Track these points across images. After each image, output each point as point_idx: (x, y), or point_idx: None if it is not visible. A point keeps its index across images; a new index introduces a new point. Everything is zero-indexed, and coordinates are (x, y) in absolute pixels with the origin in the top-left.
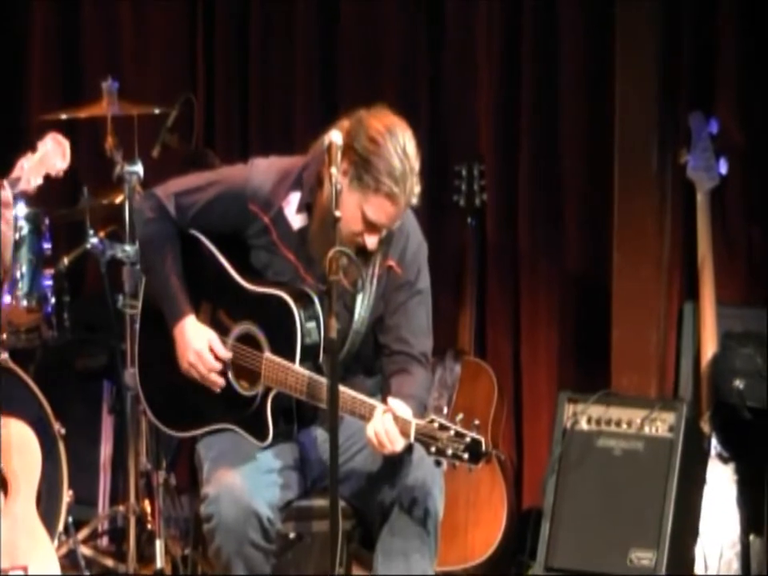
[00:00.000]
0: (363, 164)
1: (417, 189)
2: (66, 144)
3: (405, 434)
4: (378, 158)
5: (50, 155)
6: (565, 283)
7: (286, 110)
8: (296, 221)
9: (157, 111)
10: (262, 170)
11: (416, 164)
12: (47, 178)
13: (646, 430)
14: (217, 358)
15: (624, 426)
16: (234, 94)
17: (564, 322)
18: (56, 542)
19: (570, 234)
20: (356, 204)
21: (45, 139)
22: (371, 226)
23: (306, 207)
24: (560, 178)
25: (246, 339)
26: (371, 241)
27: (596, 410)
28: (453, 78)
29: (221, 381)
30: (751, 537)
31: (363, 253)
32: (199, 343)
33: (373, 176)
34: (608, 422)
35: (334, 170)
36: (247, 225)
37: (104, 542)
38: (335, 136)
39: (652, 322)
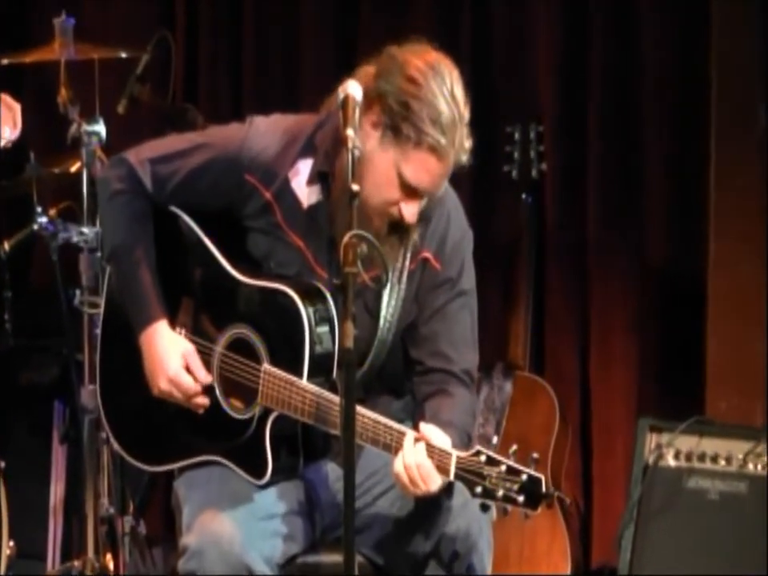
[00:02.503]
0: (400, 111)
1: (467, 143)
2: (17, 108)
3: (443, 469)
4: (419, 101)
5: None
6: (646, 280)
7: (291, 54)
8: (306, 195)
9: (123, 55)
10: (263, 130)
11: (466, 111)
12: None
13: (750, 467)
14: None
15: (722, 462)
16: (223, 34)
17: (645, 329)
18: None
19: (653, 217)
20: (391, 164)
21: None
22: (410, 192)
23: (318, 177)
24: (641, 144)
25: (240, 347)
26: (410, 211)
27: (686, 442)
28: (503, 15)
29: (205, 401)
30: None
31: (398, 232)
32: (173, 365)
33: (413, 125)
34: (701, 458)
35: (350, 131)
36: (243, 201)
37: None
38: (352, 88)
39: (757, 330)
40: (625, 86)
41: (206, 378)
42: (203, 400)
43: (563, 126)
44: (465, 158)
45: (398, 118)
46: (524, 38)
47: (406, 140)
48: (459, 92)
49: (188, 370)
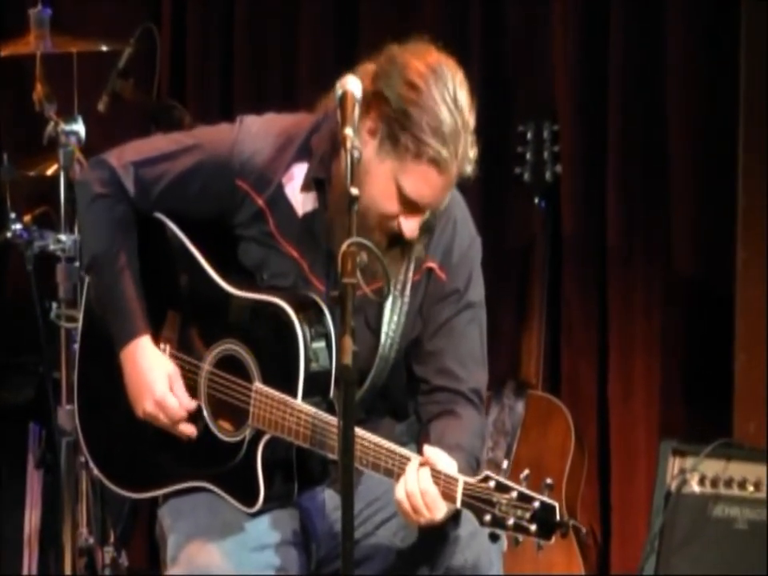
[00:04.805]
0: (399, 119)
1: (472, 153)
2: None
3: (449, 496)
4: (419, 109)
5: None
6: (671, 292)
7: (286, 47)
8: (301, 202)
9: (104, 48)
10: (255, 131)
11: (471, 118)
12: None
13: None
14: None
15: (750, 488)
16: (213, 25)
17: (669, 344)
18: None
19: (678, 224)
20: (389, 175)
21: None
22: (410, 206)
23: (315, 183)
24: (664, 143)
25: (229, 364)
26: (409, 226)
27: (712, 466)
28: (516, 3)
29: (192, 430)
30: None
31: (400, 244)
32: (160, 386)
33: (412, 135)
34: (728, 483)
35: (349, 130)
36: (234, 209)
37: None
38: (351, 83)
39: None
40: (648, 80)
41: (189, 403)
42: (189, 428)
43: (580, 124)
44: (469, 169)
45: (397, 126)
46: (538, 28)
47: (404, 151)
48: (463, 97)
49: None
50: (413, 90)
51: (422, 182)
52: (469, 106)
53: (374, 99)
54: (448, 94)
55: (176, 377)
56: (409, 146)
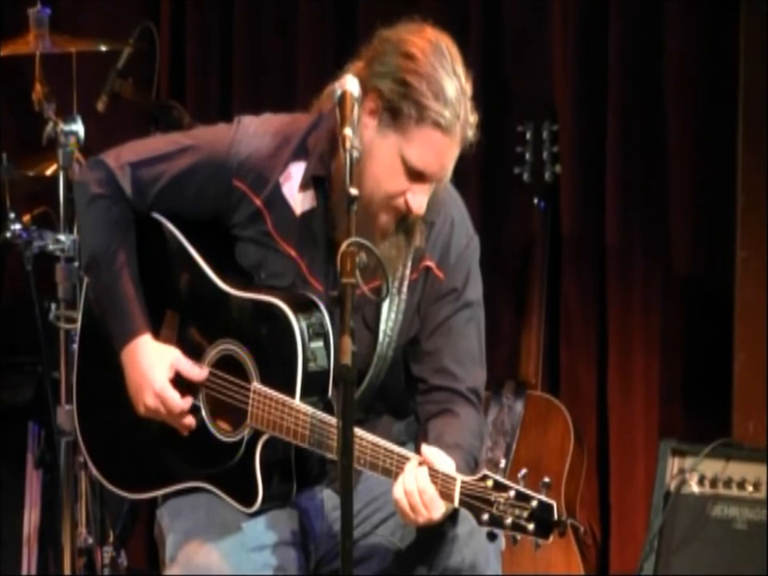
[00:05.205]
0: (398, 89)
1: (473, 117)
2: None
3: (446, 495)
4: (418, 76)
5: None
6: (670, 291)
7: (285, 48)
8: (299, 202)
9: (103, 48)
10: (253, 131)
11: (468, 86)
12: None
13: None
14: (185, 391)
15: (749, 488)
16: (212, 25)
17: (668, 344)
18: None
19: (678, 224)
20: (393, 150)
21: None
22: (416, 177)
23: (312, 182)
24: (664, 143)
25: (228, 364)
26: (417, 201)
27: (712, 466)
28: (515, 2)
29: (192, 421)
30: None
31: (405, 229)
32: (159, 378)
33: (414, 101)
34: (728, 483)
35: (348, 130)
36: (232, 209)
37: None
38: (350, 83)
39: None
40: (648, 80)
41: (200, 374)
42: (189, 419)
43: (580, 124)
44: (471, 133)
45: (397, 97)
46: (537, 28)
47: (407, 119)
48: (460, 68)
49: (178, 376)
50: (410, 60)
51: (426, 147)
52: (466, 76)
53: (371, 81)
54: (446, 61)
55: (180, 359)
56: (411, 113)
